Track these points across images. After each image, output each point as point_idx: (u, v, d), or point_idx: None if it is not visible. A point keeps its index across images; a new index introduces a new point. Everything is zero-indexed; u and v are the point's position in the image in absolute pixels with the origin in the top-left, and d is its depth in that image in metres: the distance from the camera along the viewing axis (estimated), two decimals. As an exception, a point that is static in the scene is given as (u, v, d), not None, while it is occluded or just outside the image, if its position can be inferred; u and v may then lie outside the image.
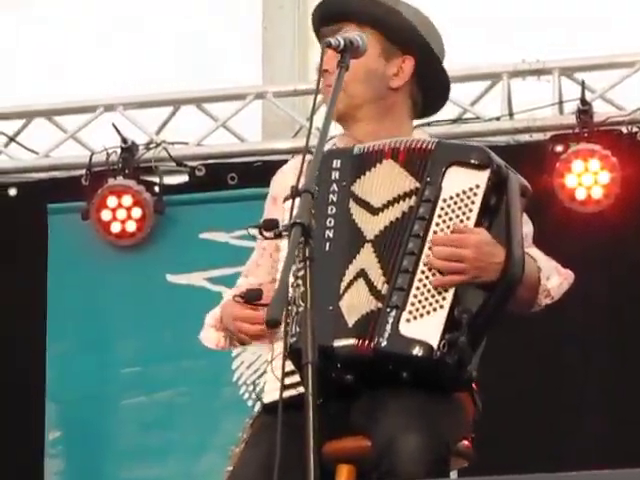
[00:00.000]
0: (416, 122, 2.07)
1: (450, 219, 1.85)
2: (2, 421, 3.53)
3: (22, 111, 3.52)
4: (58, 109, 3.49)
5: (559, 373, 3.15)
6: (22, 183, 3.76)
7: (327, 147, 1.80)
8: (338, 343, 1.79)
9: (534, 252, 1.92)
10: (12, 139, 3.44)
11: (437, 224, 1.83)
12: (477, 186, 1.84)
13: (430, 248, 1.82)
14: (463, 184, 1.86)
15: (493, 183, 1.81)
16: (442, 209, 1.84)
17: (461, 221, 1.84)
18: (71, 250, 3.67)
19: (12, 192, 3.74)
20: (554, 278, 1.96)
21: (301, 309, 1.55)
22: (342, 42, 1.69)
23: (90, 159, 3.51)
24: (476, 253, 1.83)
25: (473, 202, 1.85)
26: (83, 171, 3.57)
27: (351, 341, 1.81)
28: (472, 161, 1.86)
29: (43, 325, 3.62)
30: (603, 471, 1.22)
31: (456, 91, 3.44)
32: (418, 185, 1.87)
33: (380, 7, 1.99)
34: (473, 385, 1.89)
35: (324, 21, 1.99)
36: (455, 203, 1.88)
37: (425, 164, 1.87)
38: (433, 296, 1.84)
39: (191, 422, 3.39)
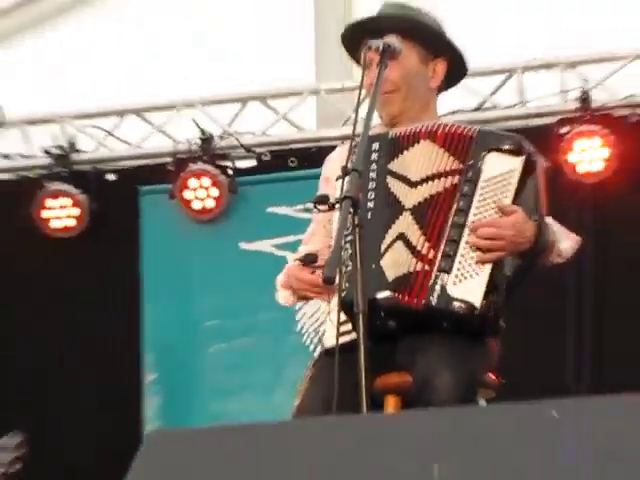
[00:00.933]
0: (443, 110, 2.38)
1: (490, 197, 2.04)
2: (109, 368, 3.92)
3: (117, 109, 3.93)
4: (146, 107, 3.91)
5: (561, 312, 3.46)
6: (118, 170, 4.13)
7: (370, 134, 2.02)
8: (380, 295, 2.00)
9: (548, 220, 2.09)
10: (109, 133, 3.89)
11: (479, 201, 2.02)
12: (513, 170, 2.04)
13: (473, 222, 2.02)
14: (501, 168, 2.06)
15: (525, 167, 2.01)
16: (483, 188, 2.02)
17: (499, 200, 2.03)
18: (160, 225, 4.00)
19: (110, 177, 4.15)
20: (565, 242, 2.17)
21: (350, 268, 1.85)
22: (381, 45, 1.94)
23: (174, 148, 3.91)
24: (514, 231, 2.00)
25: (510, 183, 2.04)
26: (169, 159, 3.96)
27: (390, 293, 2.02)
28: (508, 147, 2.06)
29: (138, 289, 3.97)
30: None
31: (477, 83, 3.59)
32: (461, 166, 2.06)
33: (414, 22, 2.20)
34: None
35: (370, 33, 2.13)
36: (494, 184, 2.06)
37: (467, 148, 2.06)
38: (477, 263, 2.05)
39: (264, 365, 3.68)
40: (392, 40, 2.03)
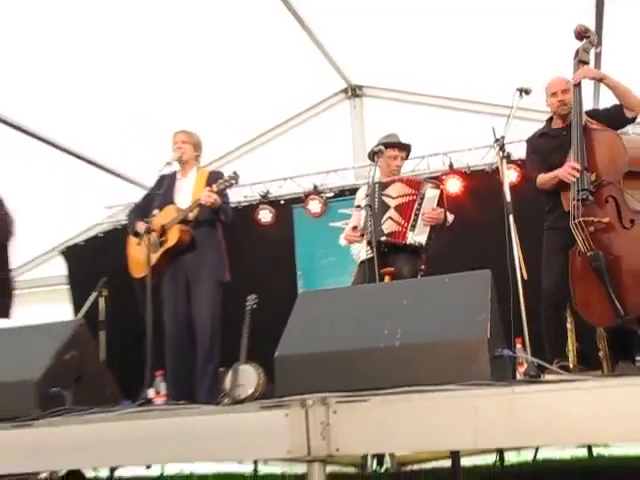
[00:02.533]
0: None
1: (428, 204, 4.53)
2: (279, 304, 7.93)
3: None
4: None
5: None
6: (285, 200, 8.24)
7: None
8: (382, 238, 4.50)
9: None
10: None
11: (424, 206, 4.52)
12: (436, 194, 4.58)
13: (423, 214, 4.52)
14: (432, 194, 4.57)
15: (440, 193, 4.58)
16: (425, 201, 4.53)
17: (432, 204, 4.55)
18: (301, 222, 7.78)
19: (282, 202, 8.28)
20: (449, 216, 4.79)
21: (370, 229, 4.48)
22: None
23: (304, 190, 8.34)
24: (437, 215, 4.55)
25: (435, 198, 4.55)
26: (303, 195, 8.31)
27: (385, 238, 4.58)
28: (434, 186, 4.59)
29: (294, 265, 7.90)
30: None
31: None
32: (416, 192, 4.58)
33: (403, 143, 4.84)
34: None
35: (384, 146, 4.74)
36: (429, 199, 4.52)
37: (418, 185, 4.63)
38: (424, 227, 4.57)
39: (341, 269, 6.55)
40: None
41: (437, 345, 2.66)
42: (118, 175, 8.41)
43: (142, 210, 4.88)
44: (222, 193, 4.72)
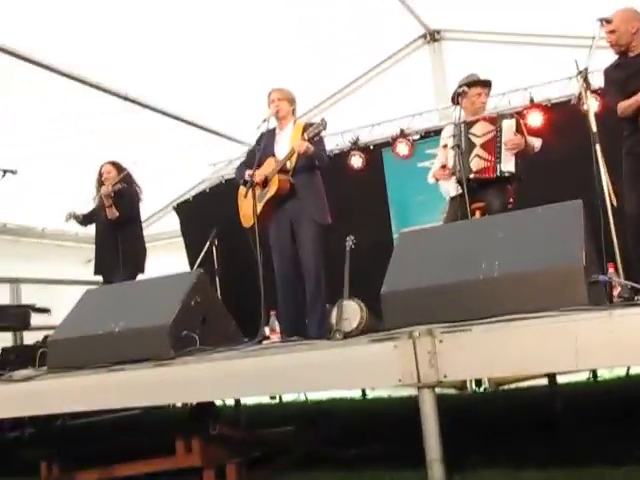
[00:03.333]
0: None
1: (507, 134, 4.54)
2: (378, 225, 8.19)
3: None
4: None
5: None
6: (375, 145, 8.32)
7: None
8: (471, 175, 4.50)
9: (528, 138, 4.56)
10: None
11: (504, 137, 4.60)
12: (512, 124, 4.64)
13: (505, 143, 4.48)
14: (509, 124, 4.68)
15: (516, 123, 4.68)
16: (504, 131, 4.57)
17: (511, 133, 4.56)
18: (391, 164, 7.84)
19: (371, 147, 8.31)
20: (537, 142, 4.66)
21: (458, 167, 4.51)
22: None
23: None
24: (518, 142, 4.55)
25: (513, 128, 4.61)
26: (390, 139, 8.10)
27: (473, 175, 4.62)
28: (510, 115, 4.73)
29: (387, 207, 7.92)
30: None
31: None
32: (494, 127, 4.57)
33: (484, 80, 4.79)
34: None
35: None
36: (507, 128, 4.58)
37: (495, 120, 4.62)
38: (510, 156, 4.53)
39: (430, 208, 6.62)
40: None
41: (535, 274, 2.62)
42: (219, 134, 8.59)
43: (248, 165, 4.94)
44: (317, 141, 4.71)
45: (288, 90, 5.10)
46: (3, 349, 5.95)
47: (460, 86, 4.67)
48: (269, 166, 4.89)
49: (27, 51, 6.15)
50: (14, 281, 8.24)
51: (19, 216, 8.05)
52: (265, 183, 4.89)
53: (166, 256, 9.20)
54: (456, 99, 4.63)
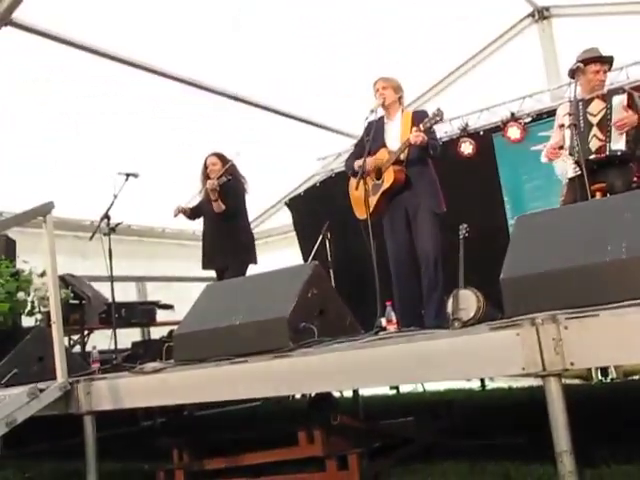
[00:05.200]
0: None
1: (617, 111, 4.30)
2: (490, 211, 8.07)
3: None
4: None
5: None
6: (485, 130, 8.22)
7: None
8: (590, 157, 4.27)
9: None
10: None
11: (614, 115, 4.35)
12: (623, 99, 4.36)
13: (615, 122, 4.21)
14: (620, 100, 4.35)
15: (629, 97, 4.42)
16: (614, 109, 4.33)
17: (622, 110, 4.30)
18: (503, 149, 7.56)
19: (481, 133, 8.12)
20: None
21: (577, 148, 4.25)
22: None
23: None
24: (628, 120, 4.26)
25: (624, 104, 4.30)
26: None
27: (593, 156, 4.39)
28: (622, 91, 4.43)
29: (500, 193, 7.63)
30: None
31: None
32: (605, 103, 4.32)
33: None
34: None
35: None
36: (619, 106, 4.27)
37: (606, 98, 4.34)
38: (619, 136, 4.34)
39: (548, 191, 6.32)
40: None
41: (667, 255, 2.44)
42: (327, 128, 8.64)
43: (357, 156, 4.95)
44: (429, 130, 4.64)
45: (393, 78, 5.05)
46: (133, 343, 6.25)
47: (577, 62, 4.44)
48: (382, 157, 4.87)
49: (141, 58, 6.44)
50: (139, 279, 8.68)
51: (141, 217, 8.45)
52: (379, 175, 4.87)
53: (280, 251, 9.44)
54: (572, 75, 4.40)
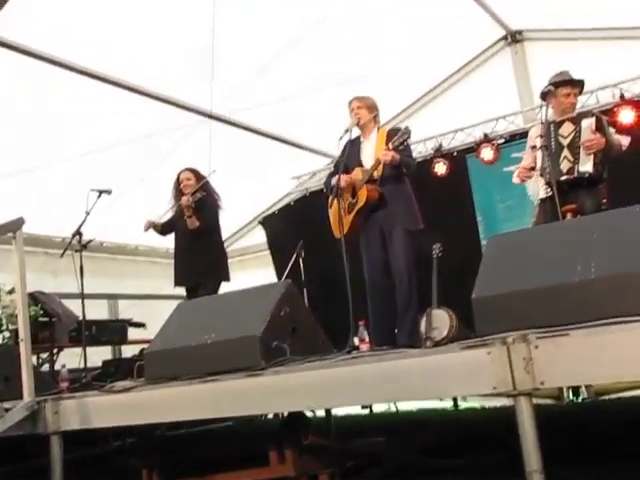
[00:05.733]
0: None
1: (586, 133, 4.36)
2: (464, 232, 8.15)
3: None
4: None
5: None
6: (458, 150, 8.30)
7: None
8: (562, 178, 4.38)
9: (614, 134, 4.35)
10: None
11: (583, 136, 4.36)
12: (590, 123, 4.41)
13: (583, 143, 4.28)
14: (588, 123, 4.41)
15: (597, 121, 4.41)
16: (584, 131, 4.35)
17: (590, 132, 4.39)
18: (476, 171, 7.73)
19: (455, 154, 8.10)
20: (624, 139, 4.41)
21: (548, 169, 4.33)
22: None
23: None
24: (598, 141, 4.34)
25: (593, 127, 4.38)
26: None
27: (564, 177, 4.45)
28: (592, 116, 4.47)
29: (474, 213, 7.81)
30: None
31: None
32: (575, 127, 4.38)
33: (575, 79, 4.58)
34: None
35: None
36: (587, 129, 4.34)
37: (577, 121, 4.44)
38: (587, 156, 4.36)
39: (519, 211, 6.55)
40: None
41: (633, 276, 2.49)
42: (301, 147, 8.71)
43: (334, 175, 4.96)
44: (403, 148, 4.68)
45: (368, 97, 5.08)
46: (104, 362, 6.16)
47: (549, 84, 4.49)
48: (356, 176, 4.91)
49: (114, 74, 6.40)
50: (111, 297, 8.60)
51: (114, 234, 8.40)
52: (354, 194, 4.90)
53: (254, 270, 9.41)
54: (544, 97, 4.48)
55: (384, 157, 4.67)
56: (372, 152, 4.94)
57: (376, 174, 4.83)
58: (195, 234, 5.70)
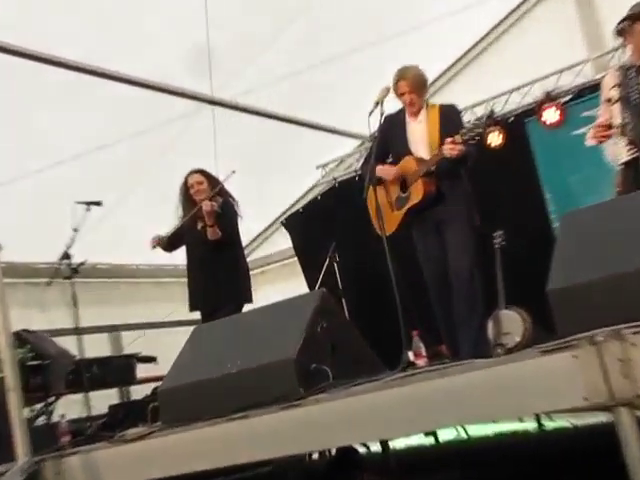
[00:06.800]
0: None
1: None
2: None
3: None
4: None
5: None
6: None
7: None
8: None
9: None
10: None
11: None
12: None
13: None
14: None
15: None
16: None
17: None
18: (538, 136, 7.47)
19: (511, 119, 7.69)
20: None
21: (630, 125, 4.18)
22: None
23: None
24: None
25: None
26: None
27: None
28: None
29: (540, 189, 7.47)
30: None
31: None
32: None
33: None
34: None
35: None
36: None
37: None
38: None
39: (598, 183, 5.92)
40: None
41: None
42: (325, 129, 8.60)
43: (377, 159, 4.81)
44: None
45: (416, 73, 4.96)
46: (110, 407, 6.21)
47: (626, 18, 4.36)
48: (408, 166, 4.90)
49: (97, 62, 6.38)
50: (113, 329, 8.65)
51: (109, 254, 8.44)
52: (404, 186, 4.90)
53: (280, 282, 9.43)
54: (621, 34, 4.36)
55: (451, 152, 4.60)
56: (424, 136, 4.90)
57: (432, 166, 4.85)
58: (215, 247, 5.67)
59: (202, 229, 5.70)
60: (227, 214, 5.73)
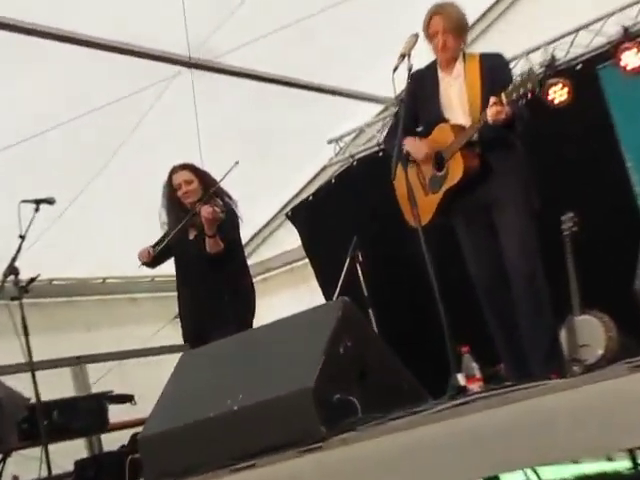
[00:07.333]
0: None
1: None
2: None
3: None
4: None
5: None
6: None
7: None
8: None
9: None
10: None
11: None
12: None
13: None
14: None
15: None
16: None
17: None
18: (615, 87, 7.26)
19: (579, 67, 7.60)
20: None
21: None
22: None
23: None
24: None
25: None
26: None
27: None
28: None
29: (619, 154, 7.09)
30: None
31: None
32: None
33: None
34: None
35: None
36: None
37: None
38: None
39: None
40: None
41: None
42: (337, 92, 8.55)
43: (406, 131, 4.72)
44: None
45: (454, 8, 4.88)
46: (77, 463, 6.24)
47: None
48: (442, 137, 4.85)
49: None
50: (75, 362, 8.57)
51: (67, 266, 8.39)
52: (439, 163, 4.89)
53: (286, 291, 9.42)
54: None
55: (495, 117, 4.46)
56: (462, 93, 4.81)
57: (475, 135, 4.75)
58: (214, 260, 5.69)
59: (196, 239, 5.76)
60: (228, 220, 5.72)
